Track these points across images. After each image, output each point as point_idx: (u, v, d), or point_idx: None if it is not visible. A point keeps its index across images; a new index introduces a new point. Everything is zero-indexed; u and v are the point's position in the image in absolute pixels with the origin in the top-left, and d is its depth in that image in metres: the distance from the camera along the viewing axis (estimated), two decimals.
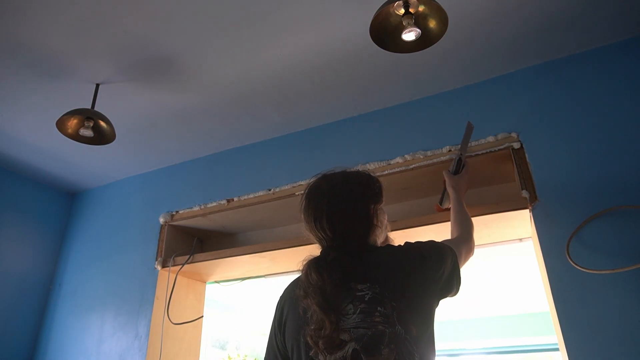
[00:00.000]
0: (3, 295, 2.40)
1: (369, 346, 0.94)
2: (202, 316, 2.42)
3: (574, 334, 1.39)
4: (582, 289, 1.42)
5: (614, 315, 1.36)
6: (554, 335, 1.60)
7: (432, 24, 1.34)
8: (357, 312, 0.97)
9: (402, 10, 1.29)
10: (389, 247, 1.14)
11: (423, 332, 0.99)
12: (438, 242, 1.17)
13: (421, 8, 1.30)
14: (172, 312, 2.23)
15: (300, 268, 1.09)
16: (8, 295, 2.42)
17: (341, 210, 1.10)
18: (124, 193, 2.66)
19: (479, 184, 1.97)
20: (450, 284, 1.11)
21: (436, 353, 1.03)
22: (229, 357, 4.96)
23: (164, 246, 2.32)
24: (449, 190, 1.55)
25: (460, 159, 1.58)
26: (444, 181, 1.60)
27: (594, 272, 1.40)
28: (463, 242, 1.31)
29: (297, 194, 2.06)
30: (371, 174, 1.22)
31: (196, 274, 2.42)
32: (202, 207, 2.30)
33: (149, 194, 2.55)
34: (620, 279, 1.38)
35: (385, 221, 1.20)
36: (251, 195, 2.19)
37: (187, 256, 2.22)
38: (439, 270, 1.08)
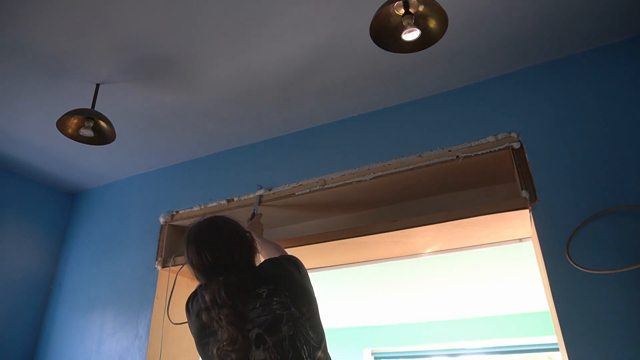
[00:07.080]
0: (3, 295, 2.40)
1: (270, 327, 1.14)
2: None
3: (574, 334, 1.39)
4: (582, 289, 1.42)
5: (614, 315, 1.36)
6: (554, 335, 1.60)
7: (432, 24, 1.34)
8: (258, 306, 1.18)
9: (402, 10, 1.29)
10: (269, 260, 1.36)
11: (312, 313, 1.22)
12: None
13: (421, 8, 1.30)
14: (172, 312, 2.22)
15: (205, 290, 1.23)
16: (8, 296, 2.42)
17: (233, 241, 1.31)
18: (124, 193, 2.66)
19: (479, 184, 1.97)
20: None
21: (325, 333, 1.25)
22: None
23: (164, 246, 2.32)
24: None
25: (254, 213, 2.00)
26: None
27: (594, 272, 1.41)
28: None
29: (297, 194, 2.06)
30: None
31: None
32: (202, 207, 2.30)
33: (149, 194, 2.55)
34: (620, 279, 1.38)
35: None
36: (251, 195, 2.19)
37: None
38: (305, 272, 1.37)
